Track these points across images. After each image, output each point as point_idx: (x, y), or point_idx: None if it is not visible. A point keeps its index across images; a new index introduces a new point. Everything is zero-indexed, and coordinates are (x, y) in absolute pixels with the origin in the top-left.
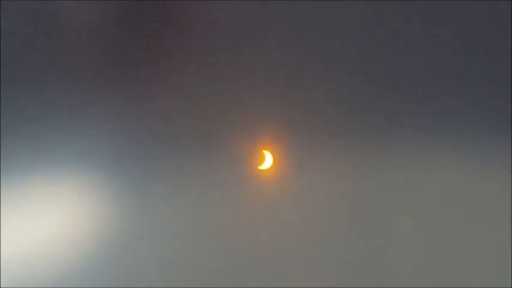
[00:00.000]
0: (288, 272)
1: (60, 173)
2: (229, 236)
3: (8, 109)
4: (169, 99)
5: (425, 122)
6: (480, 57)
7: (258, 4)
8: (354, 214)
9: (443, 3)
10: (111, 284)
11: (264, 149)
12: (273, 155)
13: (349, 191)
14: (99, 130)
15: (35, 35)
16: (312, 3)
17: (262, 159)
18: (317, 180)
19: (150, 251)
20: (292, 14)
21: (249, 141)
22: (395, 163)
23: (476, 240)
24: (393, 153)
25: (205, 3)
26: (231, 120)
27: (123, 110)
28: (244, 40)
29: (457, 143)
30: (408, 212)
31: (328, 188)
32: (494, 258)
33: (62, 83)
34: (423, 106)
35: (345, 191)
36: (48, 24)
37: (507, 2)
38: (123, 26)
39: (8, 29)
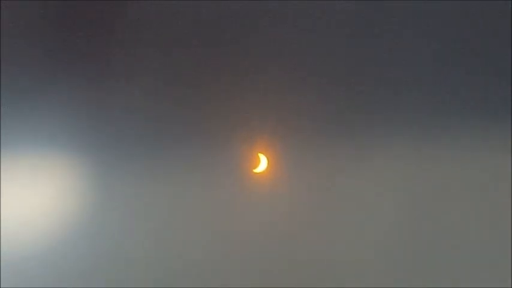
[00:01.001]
0: (281, 274)
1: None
2: (223, 238)
3: None
4: (164, 100)
5: (420, 123)
6: (480, 58)
7: (258, 4)
8: (348, 216)
9: (442, 3)
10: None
11: (259, 152)
12: (267, 158)
13: (343, 194)
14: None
15: None
16: (311, 3)
17: (257, 162)
18: (311, 183)
19: (143, 253)
20: (289, 15)
21: (244, 144)
22: (390, 165)
23: (475, 240)
24: (388, 155)
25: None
26: (226, 123)
27: (120, 108)
28: (240, 42)
29: (455, 139)
30: (405, 212)
31: (323, 191)
32: (494, 257)
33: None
34: (418, 106)
35: (339, 194)
36: None
37: (507, 2)
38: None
39: None
